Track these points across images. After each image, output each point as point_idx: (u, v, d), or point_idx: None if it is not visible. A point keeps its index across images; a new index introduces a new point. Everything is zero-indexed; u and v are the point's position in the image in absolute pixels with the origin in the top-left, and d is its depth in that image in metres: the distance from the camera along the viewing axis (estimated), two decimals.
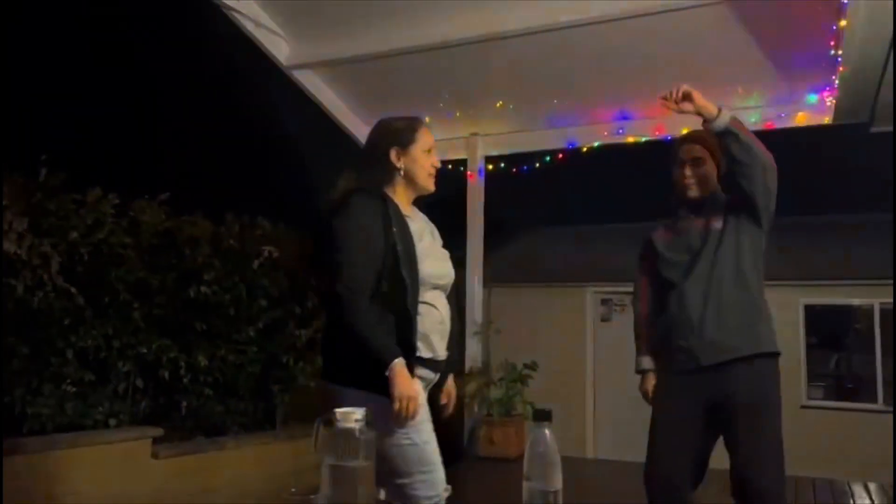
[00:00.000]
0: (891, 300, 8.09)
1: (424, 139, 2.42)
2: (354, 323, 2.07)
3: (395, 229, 2.18)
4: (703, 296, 2.48)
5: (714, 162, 2.62)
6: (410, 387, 2.05)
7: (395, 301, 2.11)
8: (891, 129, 4.88)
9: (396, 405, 2.02)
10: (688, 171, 2.62)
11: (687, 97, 2.47)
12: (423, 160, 2.37)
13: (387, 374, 2.02)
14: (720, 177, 2.64)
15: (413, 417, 2.06)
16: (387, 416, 2.02)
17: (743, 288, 2.50)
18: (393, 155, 2.34)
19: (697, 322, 2.48)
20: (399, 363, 2.04)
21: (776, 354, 2.55)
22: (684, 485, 2.63)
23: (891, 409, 8.08)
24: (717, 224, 2.54)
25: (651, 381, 2.75)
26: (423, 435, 2.15)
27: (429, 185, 2.38)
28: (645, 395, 2.81)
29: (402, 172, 2.33)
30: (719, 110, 2.42)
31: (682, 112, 2.49)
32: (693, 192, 2.62)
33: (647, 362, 2.76)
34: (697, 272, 2.51)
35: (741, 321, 2.48)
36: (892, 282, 8.06)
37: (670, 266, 2.63)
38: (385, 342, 2.07)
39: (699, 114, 2.45)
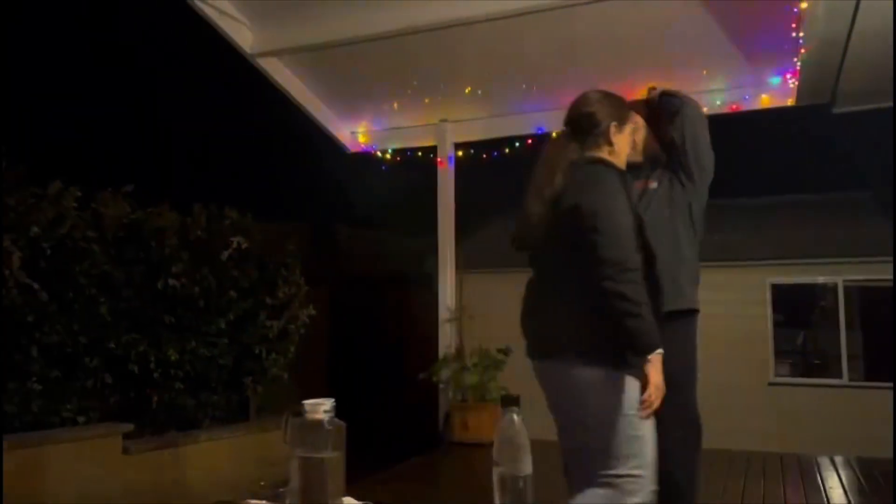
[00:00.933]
0: (855, 278, 8.28)
1: (634, 118, 2.45)
2: (628, 302, 1.99)
3: (631, 202, 2.19)
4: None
5: (649, 128, 2.73)
6: (661, 377, 2.03)
7: (645, 278, 2.08)
8: (853, 109, 4.98)
9: (651, 393, 2.01)
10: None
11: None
12: (629, 139, 2.38)
13: (647, 358, 2.00)
14: (663, 143, 2.77)
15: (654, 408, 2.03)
16: (618, 395, 2.01)
17: (676, 245, 2.63)
18: (612, 129, 2.31)
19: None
20: (660, 352, 2.02)
21: (696, 311, 2.72)
22: None
23: (856, 384, 8.29)
24: (654, 184, 2.69)
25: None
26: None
27: (624, 164, 2.36)
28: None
29: (614, 147, 2.31)
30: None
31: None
32: (631, 157, 2.74)
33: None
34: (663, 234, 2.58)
35: (669, 278, 2.51)
36: (855, 259, 8.24)
37: None
38: (654, 326, 2.02)
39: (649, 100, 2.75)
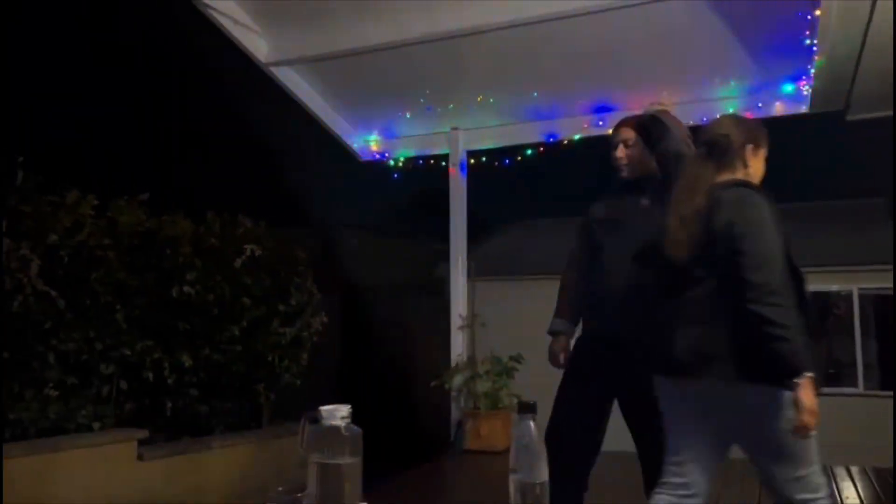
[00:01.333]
0: (869, 286, 8.21)
1: (767, 145, 2.48)
2: (773, 325, 2.04)
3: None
4: (627, 271, 2.59)
5: (645, 145, 2.75)
6: (814, 400, 2.06)
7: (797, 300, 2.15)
8: (867, 116, 4.95)
9: (804, 418, 2.04)
10: (619, 153, 2.83)
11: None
12: (764, 163, 2.42)
13: (797, 381, 2.03)
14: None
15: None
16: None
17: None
18: (749, 151, 2.34)
19: (621, 296, 2.64)
20: (810, 375, 2.05)
21: None
22: (586, 452, 2.81)
23: (871, 392, 8.21)
24: (645, 202, 2.72)
25: (562, 344, 2.93)
26: None
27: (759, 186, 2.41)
28: (554, 356, 2.96)
29: (749, 170, 2.34)
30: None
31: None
32: (625, 172, 2.83)
33: (561, 324, 2.96)
34: (623, 248, 2.60)
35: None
36: (870, 268, 8.17)
37: (604, 239, 2.81)
38: (802, 348, 2.07)
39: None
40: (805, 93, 5.06)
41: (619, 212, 2.83)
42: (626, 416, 2.82)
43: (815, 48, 4.39)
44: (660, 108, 2.70)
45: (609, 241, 2.78)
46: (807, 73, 4.86)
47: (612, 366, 2.66)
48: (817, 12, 4.03)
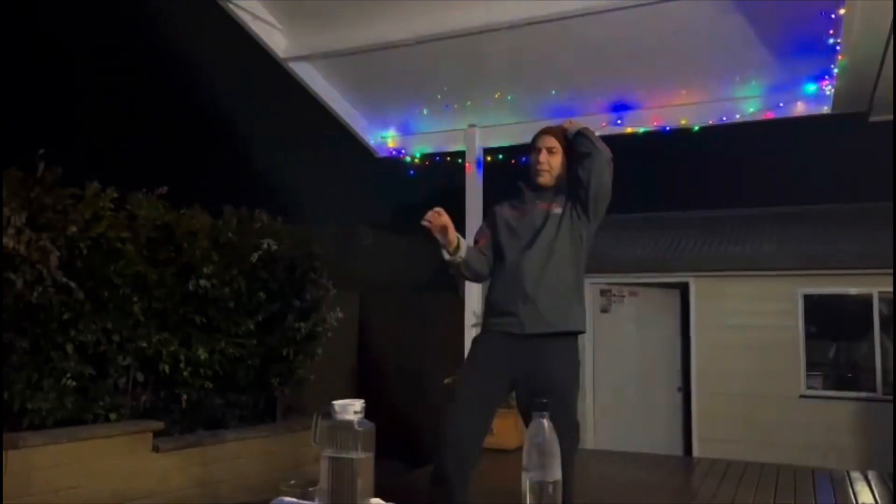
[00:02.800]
0: (889, 289, 8.10)
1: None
2: None
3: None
4: (538, 271, 2.76)
5: (564, 156, 2.93)
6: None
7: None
8: (890, 118, 4.87)
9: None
10: (542, 158, 2.93)
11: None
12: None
13: None
14: (569, 174, 2.94)
15: None
16: None
17: (571, 271, 2.83)
18: None
19: (531, 293, 2.74)
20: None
21: (581, 333, 2.87)
22: (475, 447, 2.78)
23: (890, 397, 8.10)
24: (558, 209, 2.86)
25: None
26: None
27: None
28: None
29: None
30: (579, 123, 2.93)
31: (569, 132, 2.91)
32: (543, 178, 2.92)
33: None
34: (536, 249, 2.80)
35: (565, 300, 2.79)
36: (890, 271, 8.06)
37: (512, 240, 2.88)
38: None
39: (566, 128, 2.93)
40: (827, 93, 4.99)
41: (525, 210, 2.93)
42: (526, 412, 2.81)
43: (838, 47, 4.33)
44: (570, 125, 2.90)
45: (512, 234, 2.89)
46: (829, 72, 4.79)
47: (517, 362, 2.73)
48: (841, 11, 3.97)
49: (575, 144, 2.85)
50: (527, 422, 2.65)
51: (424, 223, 2.75)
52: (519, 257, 2.81)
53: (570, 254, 2.83)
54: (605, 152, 2.80)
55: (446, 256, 2.83)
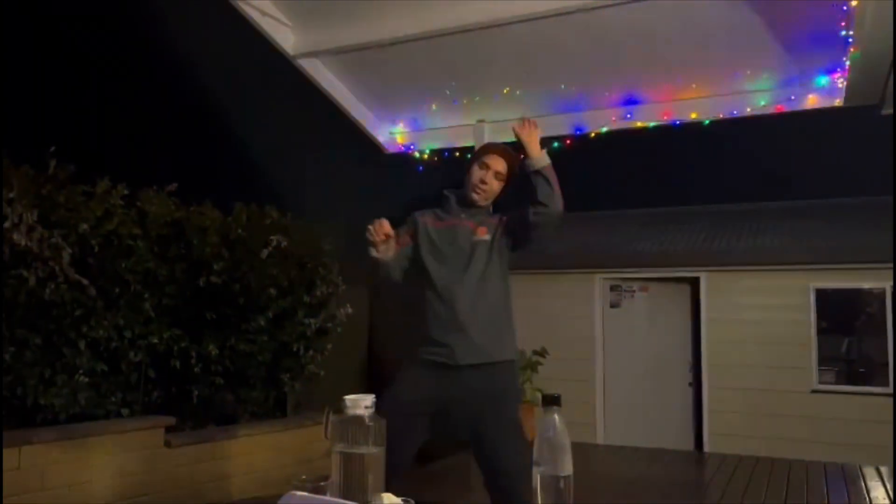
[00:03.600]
0: None
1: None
2: None
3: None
4: (471, 300, 2.69)
5: (507, 184, 2.87)
6: None
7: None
8: None
9: None
10: (487, 179, 2.82)
11: (532, 130, 2.77)
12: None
13: None
14: (503, 195, 2.88)
15: None
16: None
17: (501, 299, 2.78)
18: None
19: (464, 323, 2.66)
20: None
21: (514, 361, 2.83)
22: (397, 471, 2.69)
23: None
24: (486, 236, 2.76)
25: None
26: None
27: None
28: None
29: None
30: (543, 155, 2.74)
31: (520, 139, 2.77)
32: (479, 199, 2.82)
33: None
34: (469, 277, 2.71)
35: (496, 329, 2.73)
36: None
37: (438, 263, 2.77)
38: None
39: (525, 145, 2.74)
40: (839, 86, 4.94)
41: (450, 222, 2.83)
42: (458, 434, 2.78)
43: (850, 40, 4.29)
44: (522, 124, 2.76)
45: (439, 273, 2.76)
46: (842, 65, 4.75)
47: (446, 394, 2.66)
48: (853, 3, 3.93)
49: (532, 183, 2.70)
50: (475, 453, 2.63)
51: (368, 236, 2.69)
52: (451, 285, 2.71)
53: (499, 281, 2.77)
54: (560, 205, 2.70)
55: (373, 254, 2.72)
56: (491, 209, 2.89)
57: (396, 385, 2.74)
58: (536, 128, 2.77)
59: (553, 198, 2.68)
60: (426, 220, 2.87)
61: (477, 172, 2.84)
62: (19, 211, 3.72)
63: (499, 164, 2.85)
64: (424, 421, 2.69)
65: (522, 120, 2.78)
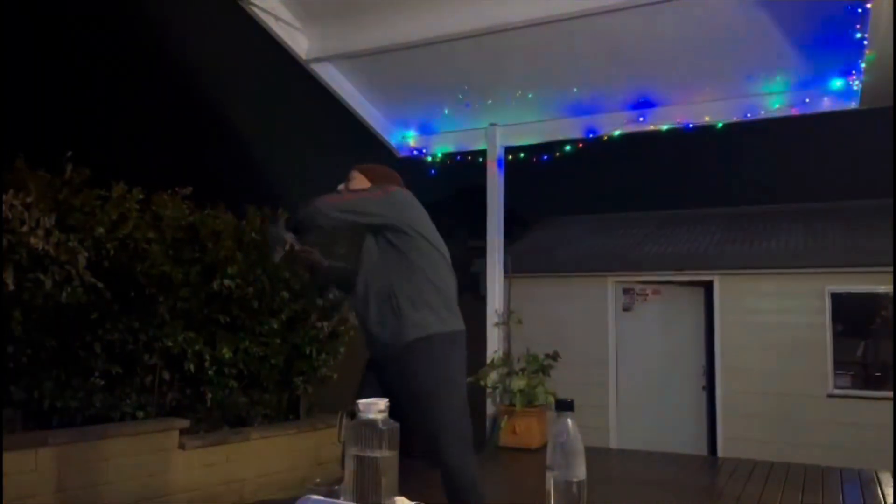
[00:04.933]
0: None
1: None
2: None
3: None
4: (364, 300, 2.77)
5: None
6: None
7: None
8: None
9: None
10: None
11: None
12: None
13: None
14: None
15: None
16: None
17: (392, 285, 2.72)
18: None
19: (364, 323, 2.79)
20: None
21: (434, 336, 2.69)
22: None
23: None
24: (368, 240, 2.84)
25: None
26: None
27: None
28: None
29: None
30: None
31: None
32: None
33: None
34: (359, 280, 2.80)
35: (391, 316, 2.69)
36: None
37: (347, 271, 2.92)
38: None
39: None
40: (855, 88, 4.91)
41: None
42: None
43: (865, 42, 4.26)
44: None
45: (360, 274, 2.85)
46: (857, 67, 4.72)
47: (384, 381, 2.73)
48: (869, 5, 3.91)
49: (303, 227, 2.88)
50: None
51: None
52: (354, 288, 2.84)
53: (391, 267, 2.74)
54: (331, 222, 2.80)
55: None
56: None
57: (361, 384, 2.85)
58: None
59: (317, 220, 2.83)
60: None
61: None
62: (36, 215, 3.76)
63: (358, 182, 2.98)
64: None
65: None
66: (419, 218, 2.83)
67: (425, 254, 2.78)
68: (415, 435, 2.50)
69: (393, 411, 2.57)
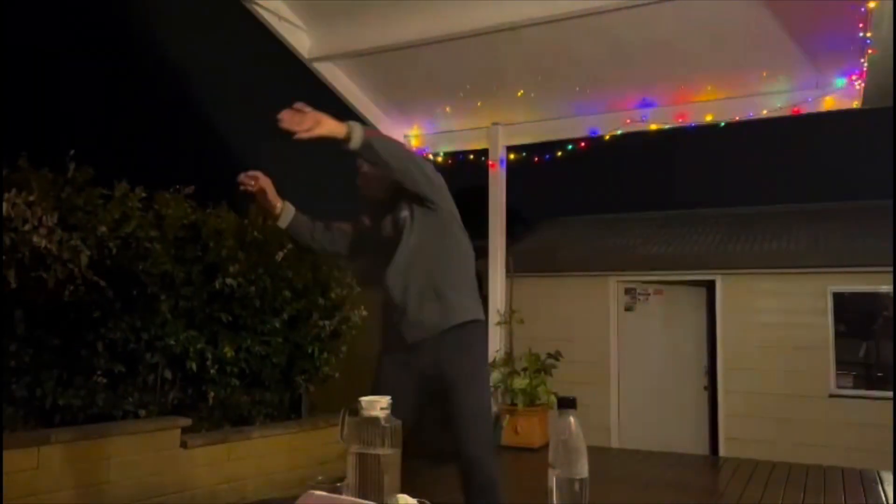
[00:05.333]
0: None
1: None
2: None
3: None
4: (403, 281, 2.61)
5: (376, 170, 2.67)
6: None
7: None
8: None
9: None
10: (359, 181, 2.78)
11: (315, 125, 2.42)
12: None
13: None
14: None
15: None
16: None
17: (434, 268, 2.61)
18: None
19: (401, 305, 2.61)
20: None
21: (471, 322, 2.63)
22: None
23: None
24: (404, 213, 2.65)
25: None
26: None
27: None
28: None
29: None
30: (350, 130, 2.43)
31: (310, 137, 2.42)
32: (370, 193, 2.78)
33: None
34: (397, 260, 2.62)
35: (434, 299, 2.58)
36: None
37: (377, 257, 2.74)
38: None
39: (331, 137, 2.44)
40: (857, 88, 4.91)
41: (384, 230, 2.76)
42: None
43: (868, 42, 4.26)
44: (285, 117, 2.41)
45: (384, 259, 2.70)
46: (859, 67, 4.72)
47: (417, 366, 2.63)
48: (871, 5, 3.91)
49: (368, 159, 2.56)
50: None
51: (242, 188, 2.64)
52: (384, 273, 2.66)
53: (432, 252, 2.62)
54: (402, 154, 2.56)
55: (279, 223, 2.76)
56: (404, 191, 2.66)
57: (378, 375, 2.76)
58: (313, 117, 2.42)
59: (386, 154, 2.49)
60: (364, 220, 2.89)
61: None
62: (39, 213, 3.76)
63: (363, 166, 2.74)
64: (410, 404, 2.54)
65: (290, 120, 2.42)
66: (452, 200, 2.72)
67: (461, 238, 2.72)
68: (437, 426, 2.59)
69: (422, 396, 2.61)
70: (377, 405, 1.30)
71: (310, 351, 5.11)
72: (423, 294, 2.59)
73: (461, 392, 2.56)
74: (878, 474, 4.92)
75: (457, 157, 6.52)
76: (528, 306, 6.93)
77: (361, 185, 2.79)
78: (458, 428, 2.57)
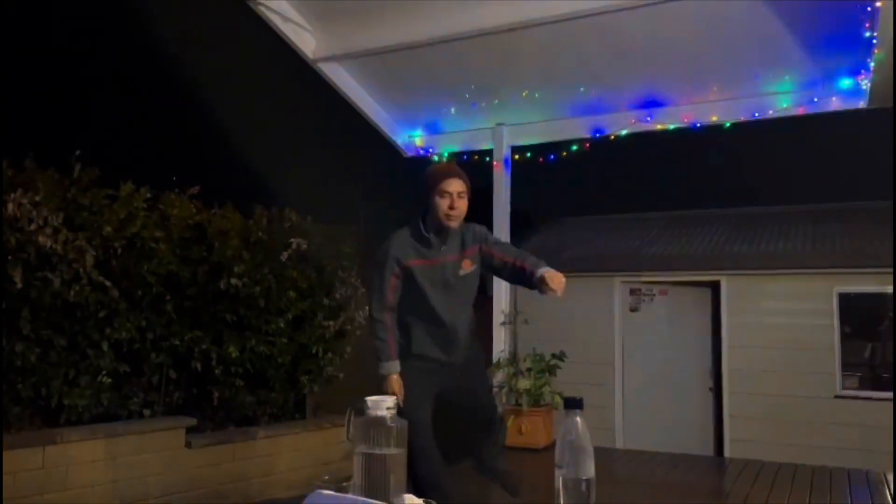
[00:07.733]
0: None
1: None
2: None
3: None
4: (459, 323, 3.16)
5: (469, 197, 3.05)
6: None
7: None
8: None
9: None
10: (456, 204, 2.99)
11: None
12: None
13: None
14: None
15: None
16: None
17: (471, 313, 3.27)
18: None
19: (458, 342, 3.17)
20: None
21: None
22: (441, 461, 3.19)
23: None
24: (470, 268, 3.12)
25: (397, 381, 3.06)
26: None
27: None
28: (393, 391, 3.04)
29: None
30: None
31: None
32: (453, 223, 3.02)
33: (397, 366, 3.09)
34: (458, 306, 3.15)
35: (469, 336, 3.27)
36: None
37: (430, 295, 3.07)
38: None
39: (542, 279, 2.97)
40: (863, 87, 4.89)
41: (436, 261, 3.08)
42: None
43: (874, 41, 4.24)
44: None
45: (432, 289, 3.08)
46: (865, 66, 4.69)
47: (449, 378, 3.17)
48: (878, 3, 3.89)
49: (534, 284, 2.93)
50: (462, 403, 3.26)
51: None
52: (444, 315, 3.10)
53: (472, 301, 3.27)
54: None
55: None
56: (467, 230, 3.13)
57: (413, 396, 3.05)
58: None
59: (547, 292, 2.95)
60: (409, 261, 3.07)
61: (441, 202, 2.99)
62: (45, 214, 3.78)
63: (456, 185, 2.99)
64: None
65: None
66: None
67: None
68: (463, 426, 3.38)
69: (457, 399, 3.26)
70: (383, 405, 1.30)
71: (314, 351, 5.11)
72: (466, 333, 3.22)
73: (482, 376, 3.49)
74: (884, 476, 4.90)
75: (461, 158, 6.51)
76: (533, 307, 6.91)
77: (452, 210, 2.99)
78: (489, 421, 3.46)
